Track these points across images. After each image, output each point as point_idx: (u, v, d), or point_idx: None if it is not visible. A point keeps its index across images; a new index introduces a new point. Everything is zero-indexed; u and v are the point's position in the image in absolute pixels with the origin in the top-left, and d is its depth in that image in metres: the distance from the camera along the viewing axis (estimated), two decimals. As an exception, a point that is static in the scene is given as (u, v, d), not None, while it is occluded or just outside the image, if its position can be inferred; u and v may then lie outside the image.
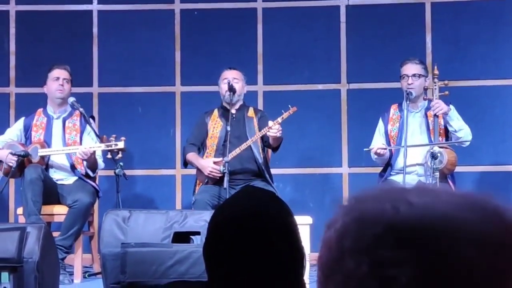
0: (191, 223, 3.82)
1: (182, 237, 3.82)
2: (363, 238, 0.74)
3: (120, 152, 5.26)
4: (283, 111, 5.33)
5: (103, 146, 5.31)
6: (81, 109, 5.53)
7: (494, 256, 0.73)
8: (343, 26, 6.52)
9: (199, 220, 3.80)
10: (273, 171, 5.74)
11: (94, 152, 5.39)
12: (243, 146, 5.37)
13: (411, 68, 5.43)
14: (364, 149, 5.48)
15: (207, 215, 3.86)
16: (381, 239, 0.73)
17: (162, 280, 3.69)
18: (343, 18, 6.53)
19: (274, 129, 5.25)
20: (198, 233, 3.80)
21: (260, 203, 1.68)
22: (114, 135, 5.31)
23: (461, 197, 0.76)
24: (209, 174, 5.38)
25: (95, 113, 6.46)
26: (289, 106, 5.33)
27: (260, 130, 5.48)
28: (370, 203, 0.77)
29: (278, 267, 1.61)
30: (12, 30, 6.67)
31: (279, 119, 5.30)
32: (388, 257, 0.72)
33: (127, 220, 3.84)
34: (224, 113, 5.60)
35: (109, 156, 5.35)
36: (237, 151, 5.35)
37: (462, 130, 5.32)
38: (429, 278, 0.72)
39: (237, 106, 5.64)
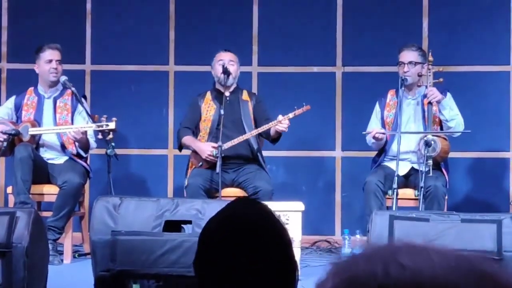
0: (183, 211, 3.77)
1: (173, 225, 3.79)
2: None
3: (111, 132, 5.21)
4: (295, 107, 5.28)
5: (94, 127, 5.26)
6: (73, 89, 5.47)
7: None
8: (339, 8, 6.44)
9: (191, 209, 3.76)
10: (266, 153, 5.71)
11: (86, 132, 5.34)
12: (246, 136, 5.33)
13: (407, 55, 5.39)
14: (363, 132, 5.45)
15: (199, 203, 3.82)
16: None
17: (153, 269, 3.66)
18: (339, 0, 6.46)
19: (283, 123, 5.21)
20: (189, 222, 3.76)
21: (251, 214, 1.67)
22: (105, 116, 5.24)
23: (453, 259, 0.75)
24: (206, 157, 5.33)
25: (87, 91, 6.40)
26: (303, 104, 5.29)
27: (254, 115, 5.47)
28: (361, 264, 0.75)
29: (269, 279, 1.60)
30: (5, 5, 6.58)
31: (291, 115, 5.26)
32: None
33: (117, 207, 3.80)
34: (218, 95, 5.55)
35: (100, 136, 5.30)
36: (234, 141, 5.31)
37: (454, 120, 5.28)
38: None
39: (231, 89, 5.59)
